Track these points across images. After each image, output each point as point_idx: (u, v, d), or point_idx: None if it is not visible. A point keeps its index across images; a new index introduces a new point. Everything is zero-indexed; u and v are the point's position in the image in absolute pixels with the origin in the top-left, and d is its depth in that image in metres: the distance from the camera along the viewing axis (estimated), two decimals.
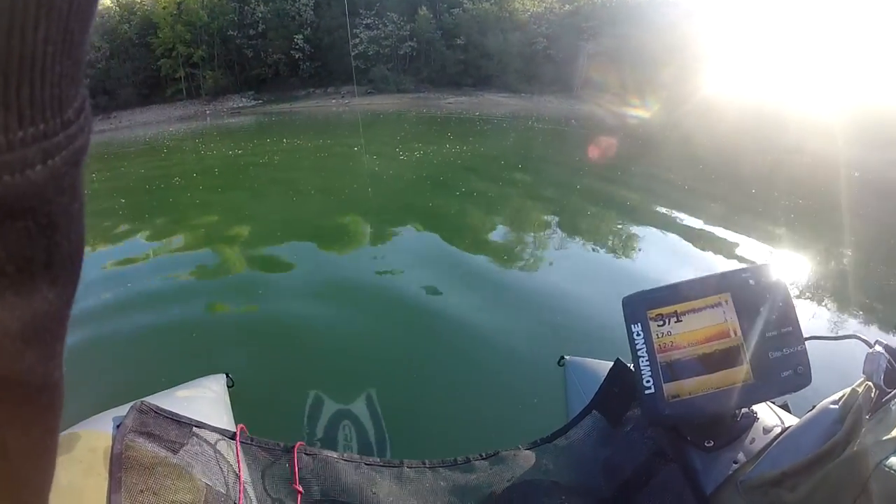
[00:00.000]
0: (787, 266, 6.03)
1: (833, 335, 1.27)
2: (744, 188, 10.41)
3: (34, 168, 0.20)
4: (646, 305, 1.16)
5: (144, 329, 4.06)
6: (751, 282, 1.13)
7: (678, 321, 1.14)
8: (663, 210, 8.27)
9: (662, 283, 1.20)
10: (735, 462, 1.15)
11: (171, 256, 6.09)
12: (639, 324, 1.15)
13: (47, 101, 0.20)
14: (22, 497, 0.24)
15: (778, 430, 1.17)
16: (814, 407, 1.09)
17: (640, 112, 31.91)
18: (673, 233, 7.04)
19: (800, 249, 6.77)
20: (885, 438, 0.86)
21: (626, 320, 1.17)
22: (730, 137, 20.09)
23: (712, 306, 1.13)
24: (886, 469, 0.81)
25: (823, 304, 5.15)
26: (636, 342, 1.15)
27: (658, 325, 1.14)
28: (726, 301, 1.13)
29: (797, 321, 1.12)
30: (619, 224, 7.50)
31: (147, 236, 6.86)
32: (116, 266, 5.55)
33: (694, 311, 1.14)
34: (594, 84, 40.95)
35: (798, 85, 26.93)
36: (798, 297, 5.10)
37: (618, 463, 1.33)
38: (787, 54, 31.82)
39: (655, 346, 1.13)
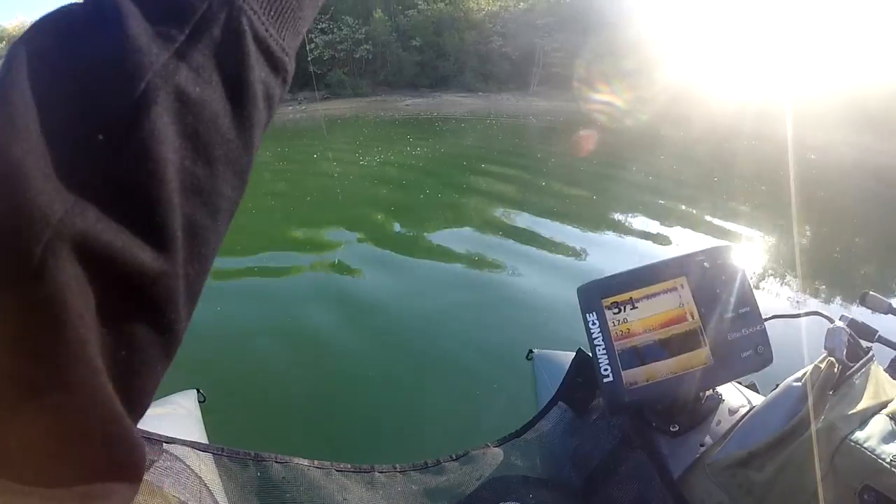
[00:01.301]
0: (745, 247, 6.17)
1: (794, 313, 1.28)
2: (705, 177, 10.58)
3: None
4: (600, 294, 1.15)
5: None
6: (706, 264, 1.13)
7: (634, 308, 1.13)
8: (624, 200, 8.37)
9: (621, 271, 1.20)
10: (702, 445, 1.14)
11: None
12: (594, 313, 1.14)
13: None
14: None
15: (744, 410, 1.17)
16: (777, 385, 1.10)
17: (597, 106, 32.23)
18: (634, 222, 7.14)
19: (761, 233, 6.91)
20: (849, 413, 0.87)
21: (581, 310, 1.16)
22: (690, 127, 20.40)
23: (668, 291, 1.13)
24: (852, 443, 0.82)
25: (785, 283, 5.27)
26: (592, 331, 1.14)
27: (614, 313, 1.13)
28: (682, 285, 1.13)
29: (755, 301, 1.12)
30: (581, 216, 7.56)
31: None
32: None
33: (649, 296, 1.13)
34: (551, 80, 41.35)
35: (756, 72, 27.50)
36: (760, 277, 5.21)
37: (586, 453, 1.32)
38: (742, 43, 32.49)
39: (612, 334, 1.12)
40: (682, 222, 7.14)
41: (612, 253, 5.94)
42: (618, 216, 7.44)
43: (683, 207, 8.09)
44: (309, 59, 45.68)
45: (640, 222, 7.15)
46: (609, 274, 1.18)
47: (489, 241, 6.45)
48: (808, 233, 6.97)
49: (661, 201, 8.38)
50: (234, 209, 0.36)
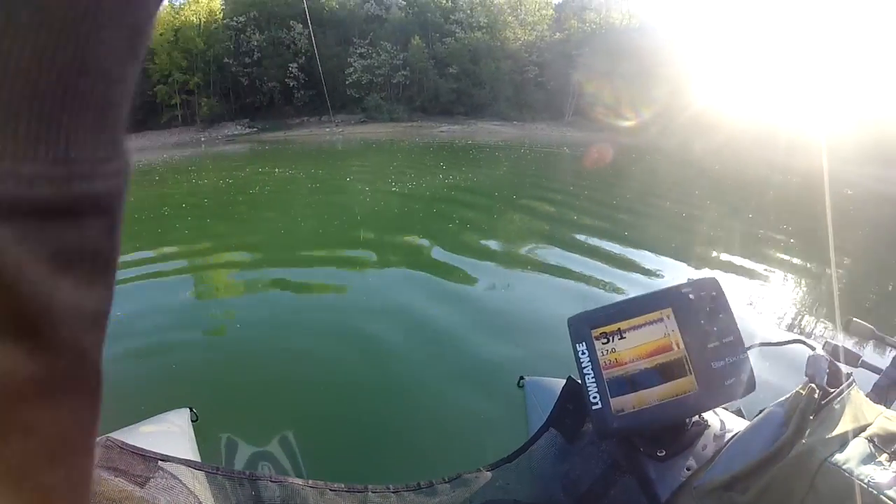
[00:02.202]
0: (733, 279, 6.16)
1: (777, 341, 1.32)
2: (740, 213, 10.42)
3: (120, 178, 0.26)
4: (590, 325, 1.20)
5: (106, 363, 3.84)
6: (691, 296, 1.18)
7: (622, 338, 1.18)
8: (654, 237, 8.23)
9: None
10: (688, 469, 1.18)
11: (139, 287, 5.93)
12: (583, 343, 1.19)
13: (123, 129, 0.26)
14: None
15: (728, 435, 1.20)
16: (761, 411, 1.14)
17: (631, 138, 32.14)
18: (659, 260, 7.05)
19: (800, 268, 6.82)
20: (829, 437, 0.91)
21: (571, 340, 1.21)
22: (722, 161, 20.18)
23: (654, 322, 1.18)
24: (832, 465, 0.86)
25: (776, 312, 5.29)
26: (581, 360, 1.19)
27: (602, 343, 1.18)
28: (668, 316, 1.17)
29: (738, 331, 1.17)
30: (605, 249, 7.44)
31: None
32: None
33: (637, 327, 1.18)
34: (585, 110, 41.35)
35: (787, 105, 27.20)
36: (752, 306, 5.27)
37: (576, 477, 1.35)
38: (772, 75, 32.22)
39: (601, 363, 1.17)
40: (708, 263, 7.05)
41: (623, 286, 5.92)
42: (644, 253, 7.30)
43: (712, 246, 7.97)
44: (346, 82, 46.54)
45: (668, 259, 7.06)
46: (600, 306, 1.24)
47: (491, 269, 6.47)
48: (842, 270, 6.88)
49: (692, 239, 8.25)
50: None
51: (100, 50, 0.23)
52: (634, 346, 1.18)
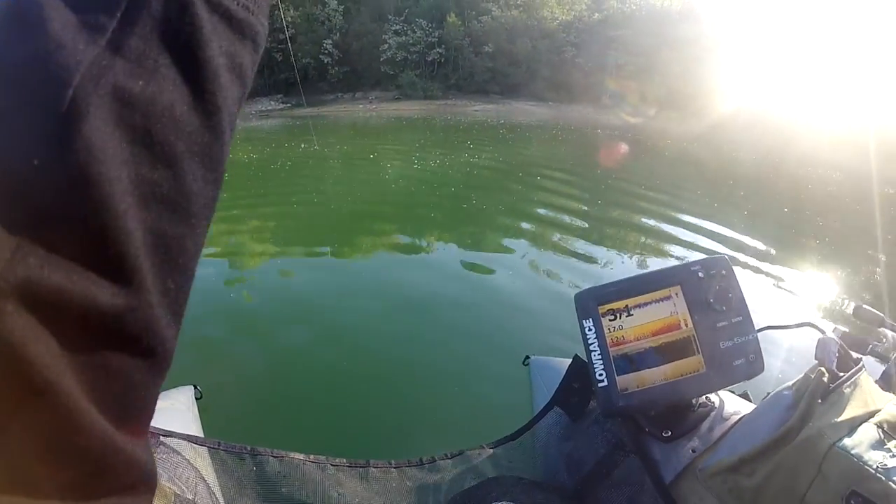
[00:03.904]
0: (746, 261, 6.07)
1: (787, 324, 1.29)
2: (774, 207, 10.15)
3: (265, 31, 0.36)
4: (597, 301, 1.17)
5: None
6: (700, 274, 1.15)
7: (629, 315, 1.15)
8: (681, 224, 8.04)
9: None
10: (693, 451, 1.15)
11: None
12: (590, 319, 1.16)
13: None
14: None
15: (735, 418, 1.17)
16: (769, 394, 1.11)
17: (668, 124, 31.60)
18: (668, 240, 6.95)
19: (812, 261, 6.65)
20: (837, 421, 0.89)
21: (578, 316, 1.18)
22: (765, 152, 19.71)
23: (663, 299, 1.15)
24: (839, 450, 0.84)
25: (785, 295, 5.23)
26: (588, 337, 1.16)
27: (609, 320, 1.16)
28: (676, 294, 1.15)
29: (748, 311, 1.14)
30: (620, 237, 7.37)
31: None
32: None
33: (645, 304, 1.15)
34: (621, 94, 40.79)
35: (831, 98, 26.56)
36: (763, 290, 5.22)
37: (580, 456, 1.34)
38: (819, 66, 31.44)
39: (607, 340, 1.15)
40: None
41: (638, 264, 5.94)
42: (656, 232, 7.18)
43: (734, 230, 7.71)
44: (381, 59, 46.49)
45: (679, 242, 6.94)
46: (606, 282, 1.21)
47: (499, 249, 6.46)
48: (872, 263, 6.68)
49: (711, 225, 8.00)
50: (212, 204, 0.32)
51: None
52: (642, 323, 1.16)
